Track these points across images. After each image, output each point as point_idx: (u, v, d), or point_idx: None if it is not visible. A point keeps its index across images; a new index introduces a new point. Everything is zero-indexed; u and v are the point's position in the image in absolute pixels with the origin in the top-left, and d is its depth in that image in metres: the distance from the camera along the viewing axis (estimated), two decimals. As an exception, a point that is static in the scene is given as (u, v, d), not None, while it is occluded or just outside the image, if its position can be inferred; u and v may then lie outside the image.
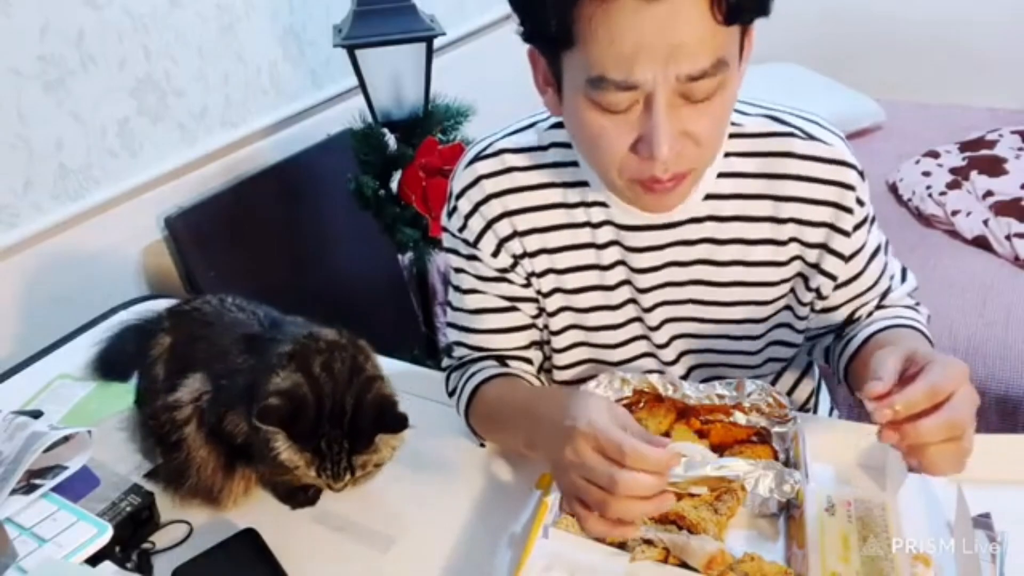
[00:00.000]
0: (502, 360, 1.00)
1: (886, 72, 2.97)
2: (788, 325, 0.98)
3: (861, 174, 0.89)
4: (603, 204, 0.91)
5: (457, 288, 1.00)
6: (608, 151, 0.77)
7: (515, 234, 0.94)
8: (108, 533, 0.84)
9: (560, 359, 1.02)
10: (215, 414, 0.89)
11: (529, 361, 1.02)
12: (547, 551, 0.77)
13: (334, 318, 0.98)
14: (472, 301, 0.99)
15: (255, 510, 0.93)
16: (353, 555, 0.87)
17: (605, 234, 0.92)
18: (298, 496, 0.93)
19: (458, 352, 1.03)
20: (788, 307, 0.96)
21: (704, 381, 0.93)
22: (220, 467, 0.91)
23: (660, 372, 0.99)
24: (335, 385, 0.86)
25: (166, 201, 1.68)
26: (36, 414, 1.01)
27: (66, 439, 0.92)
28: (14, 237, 1.44)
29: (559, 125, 0.90)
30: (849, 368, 0.94)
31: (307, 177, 1.92)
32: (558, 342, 1.00)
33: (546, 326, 1.00)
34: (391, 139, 1.77)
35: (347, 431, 0.84)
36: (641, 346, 1.00)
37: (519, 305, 0.98)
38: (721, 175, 0.89)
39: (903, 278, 1.00)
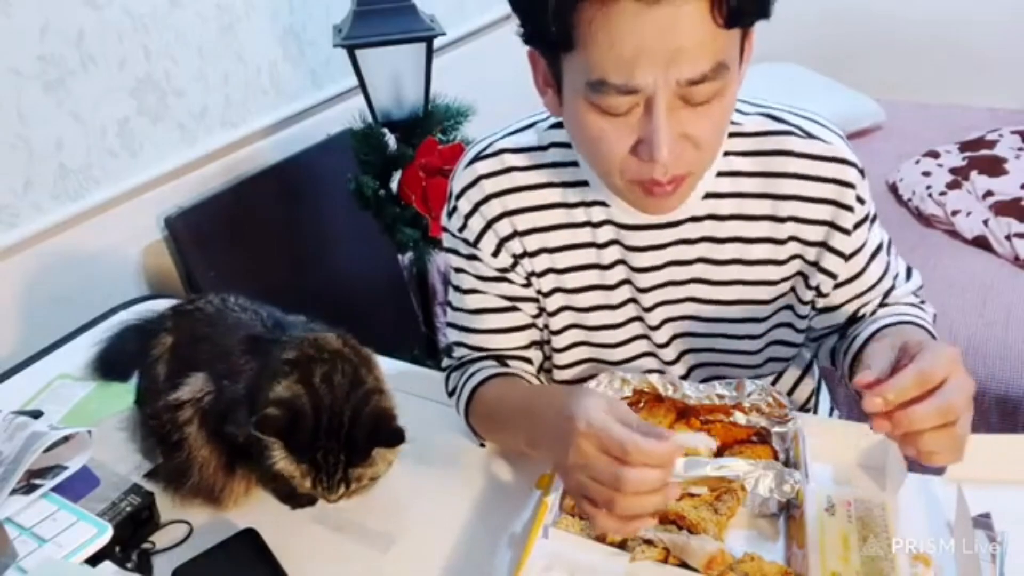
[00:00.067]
0: (502, 360, 1.00)
1: (886, 72, 2.97)
2: (789, 325, 0.98)
3: (861, 172, 0.89)
4: (603, 203, 0.91)
5: (457, 288, 1.00)
6: (608, 153, 0.77)
7: (515, 234, 0.94)
8: (108, 533, 0.84)
9: (560, 359, 1.02)
10: (217, 414, 0.89)
11: (529, 361, 1.02)
12: (547, 551, 0.77)
13: (334, 318, 0.98)
14: (472, 301, 0.99)
15: (255, 510, 0.93)
16: (353, 555, 0.87)
17: (605, 233, 0.92)
18: (298, 497, 0.93)
19: (458, 352, 1.03)
20: (789, 306, 0.96)
21: (704, 381, 0.93)
22: (221, 467, 0.91)
23: (660, 372, 0.99)
24: (334, 397, 0.86)
25: (166, 201, 1.68)
26: (36, 414, 1.01)
27: (66, 439, 0.92)
28: (14, 237, 1.44)
29: (559, 125, 0.90)
30: (853, 367, 0.94)
31: (307, 177, 1.92)
32: (558, 342, 1.00)
33: (546, 326, 1.00)
34: (391, 139, 1.77)
35: (344, 444, 0.84)
36: (641, 346, 1.00)
37: (519, 305, 0.98)
38: (720, 174, 0.89)
39: (907, 276, 1.00)
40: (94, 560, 0.83)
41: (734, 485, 0.82)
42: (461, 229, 0.96)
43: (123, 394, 1.02)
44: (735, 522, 0.82)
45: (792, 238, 0.91)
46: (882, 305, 0.97)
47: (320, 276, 1.93)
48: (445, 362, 1.05)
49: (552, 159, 0.92)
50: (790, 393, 1.08)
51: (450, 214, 0.97)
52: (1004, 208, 2.09)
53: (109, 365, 1.05)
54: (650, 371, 0.99)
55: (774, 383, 1.04)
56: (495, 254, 0.95)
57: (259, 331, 0.93)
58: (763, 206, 0.90)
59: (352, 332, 0.95)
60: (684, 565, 0.75)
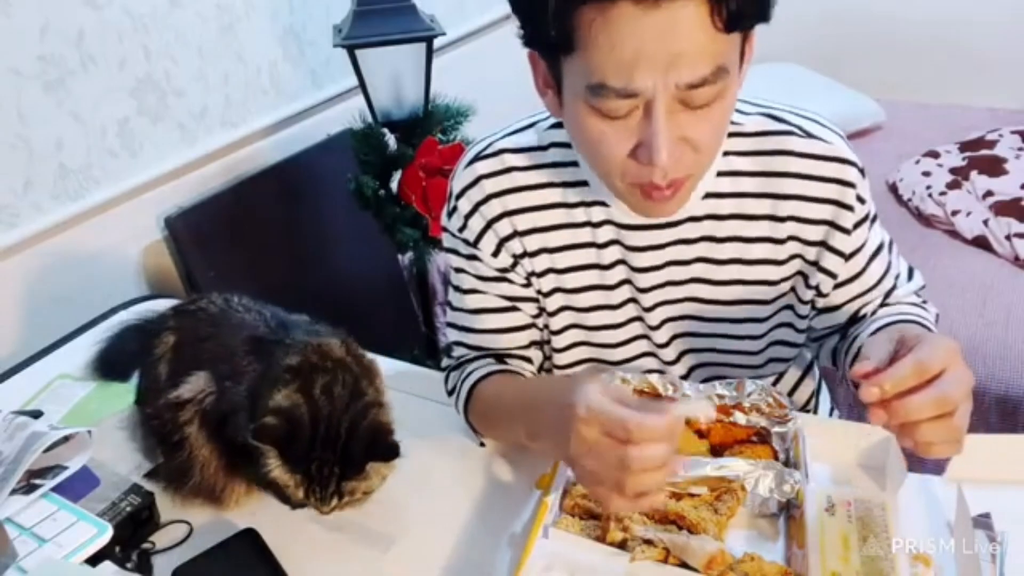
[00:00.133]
0: (501, 360, 1.00)
1: (886, 72, 2.98)
2: (789, 325, 0.98)
3: (862, 171, 0.89)
4: (603, 204, 0.91)
5: (457, 288, 1.00)
6: (608, 156, 0.77)
7: (515, 234, 0.94)
8: (108, 533, 0.84)
9: (560, 359, 1.02)
10: (218, 415, 0.89)
11: (529, 361, 1.02)
12: (547, 551, 0.77)
13: (334, 318, 0.98)
14: (472, 301, 0.99)
15: (255, 510, 0.93)
16: (353, 555, 0.87)
17: (605, 233, 0.92)
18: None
19: (457, 352, 1.03)
20: (789, 306, 0.96)
21: (704, 381, 0.93)
22: (222, 467, 0.91)
23: (660, 372, 0.99)
24: (333, 409, 0.86)
25: (166, 201, 1.68)
26: (36, 414, 1.01)
27: (66, 439, 0.92)
28: (14, 237, 1.44)
29: (559, 125, 0.90)
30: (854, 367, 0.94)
31: (307, 177, 1.92)
32: (558, 342, 1.00)
33: (546, 326, 1.00)
34: (391, 139, 1.77)
35: (339, 456, 0.85)
36: (641, 345, 1.00)
37: (519, 305, 0.98)
38: (720, 174, 0.89)
39: (909, 277, 1.00)
40: (94, 560, 0.83)
41: (734, 485, 0.82)
42: (461, 229, 0.96)
43: (123, 394, 1.02)
44: (735, 522, 0.82)
45: (792, 238, 0.91)
46: (883, 305, 0.97)
47: (320, 276, 1.93)
48: (445, 362, 1.05)
49: (552, 159, 0.92)
50: (791, 394, 1.08)
51: (450, 214, 0.97)
52: (1004, 208, 2.09)
53: (109, 365, 1.05)
54: (650, 371, 0.99)
55: (775, 384, 1.04)
56: (495, 254, 0.95)
57: (262, 332, 0.93)
58: (763, 206, 0.90)
59: (352, 332, 0.95)
60: (684, 565, 0.75)
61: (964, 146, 2.44)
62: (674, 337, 0.98)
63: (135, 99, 1.60)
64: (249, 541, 0.87)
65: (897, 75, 2.99)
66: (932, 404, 0.67)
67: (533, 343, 1.01)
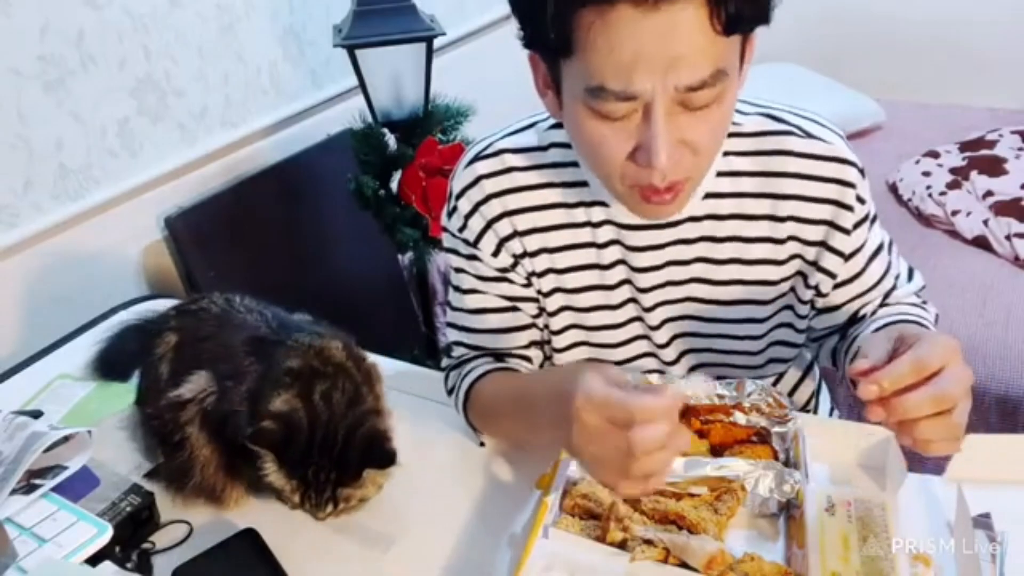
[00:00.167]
0: (501, 359, 1.00)
1: (886, 72, 2.98)
2: (789, 325, 0.98)
3: (861, 171, 0.89)
4: (603, 204, 0.91)
5: (457, 288, 1.00)
6: (608, 158, 0.77)
7: (515, 234, 0.94)
8: (108, 533, 0.84)
9: (560, 359, 1.02)
10: (219, 415, 0.89)
11: (529, 360, 1.02)
12: (547, 551, 0.77)
13: (334, 318, 0.98)
14: (472, 301, 0.99)
15: (255, 510, 0.93)
16: (353, 555, 0.87)
17: (605, 233, 0.92)
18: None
19: (457, 352, 1.03)
20: (789, 306, 0.96)
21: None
22: (222, 467, 0.91)
23: (660, 372, 0.99)
24: (331, 415, 0.86)
25: (166, 201, 1.68)
26: (36, 414, 1.01)
27: (66, 439, 0.92)
28: (14, 237, 1.44)
29: (559, 125, 0.90)
30: None
31: (307, 177, 1.92)
32: (558, 342, 1.00)
33: (546, 326, 1.00)
34: (391, 139, 1.77)
35: (336, 463, 0.85)
36: (642, 346, 1.00)
37: (519, 305, 0.98)
38: (720, 174, 0.89)
39: (909, 277, 1.00)
40: (94, 560, 0.83)
41: (734, 485, 0.82)
42: (461, 229, 0.96)
43: (123, 394, 1.02)
44: (735, 522, 0.82)
45: (791, 238, 0.91)
46: (883, 305, 0.97)
47: (320, 276, 1.93)
48: (444, 362, 1.05)
49: (552, 159, 0.92)
50: (791, 394, 1.08)
51: (450, 214, 0.97)
52: (1004, 208, 2.09)
53: (109, 365, 1.05)
54: (650, 371, 0.99)
55: (775, 384, 1.04)
56: (495, 254, 0.95)
57: (264, 332, 0.93)
58: (763, 206, 0.90)
59: (352, 332, 0.95)
60: (684, 565, 0.75)
61: (964, 146, 2.44)
62: (674, 337, 0.98)
63: (135, 99, 1.60)
64: (249, 541, 0.87)
65: (897, 75, 2.99)
66: (931, 401, 0.67)
67: (533, 343, 1.01)
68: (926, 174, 2.30)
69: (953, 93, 2.87)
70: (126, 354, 1.03)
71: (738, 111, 0.89)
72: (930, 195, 2.20)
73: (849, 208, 0.88)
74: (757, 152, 0.89)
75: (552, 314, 0.98)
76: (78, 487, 0.90)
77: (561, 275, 0.95)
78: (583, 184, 0.91)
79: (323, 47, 1.97)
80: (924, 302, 1.00)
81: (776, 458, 0.86)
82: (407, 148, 1.72)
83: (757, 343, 0.98)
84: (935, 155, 2.40)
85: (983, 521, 0.74)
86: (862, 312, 0.96)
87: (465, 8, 2.42)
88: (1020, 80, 2.84)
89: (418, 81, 1.70)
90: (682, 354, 0.99)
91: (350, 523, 0.90)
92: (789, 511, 0.83)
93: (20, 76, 1.41)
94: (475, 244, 0.95)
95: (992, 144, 2.42)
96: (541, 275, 0.96)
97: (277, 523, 0.89)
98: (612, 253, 0.93)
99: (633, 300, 0.96)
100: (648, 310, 0.96)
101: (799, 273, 0.93)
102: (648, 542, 0.76)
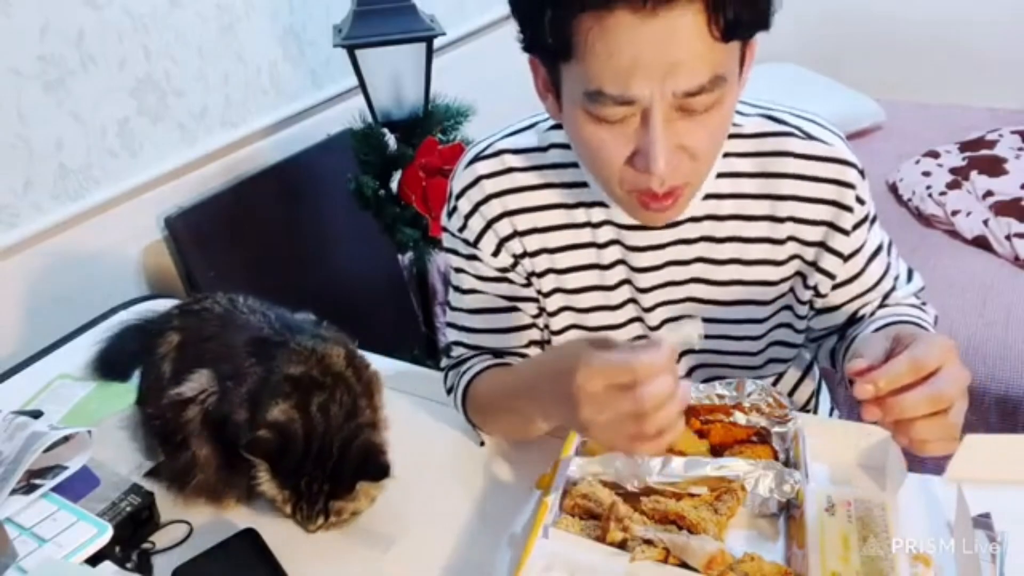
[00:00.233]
0: (500, 358, 1.00)
1: (886, 72, 2.98)
2: (788, 325, 0.98)
3: (861, 172, 0.89)
4: (603, 204, 0.91)
5: (457, 288, 1.00)
6: (607, 162, 0.77)
7: (515, 234, 0.94)
8: (108, 533, 0.84)
9: (560, 359, 1.02)
10: (219, 415, 0.89)
11: (529, 361, 1.02)
12: (547, 551, 0.77)
13: (334, 318, 0.98)
14: (472, 301, 0.99)
15: (255, 510, 0.93)
16: (353, 555, 0.87)
17: (605, 234, 0.92)
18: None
19: (456, 352, 1.03)
20: (788, 307, 0.96)
21: (704, 381, 0.93)
22: (223, 466, 0.91)
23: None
24: (327, 427, 0.86)
25: (166, 201, 1.68)
26: (36, 414, 1.01)
27: (66, 439, 0.92)
28: (14, 237, 1.44)
29: (559, 126, 0.90)
30: None
31: (307, 177, 1.92)
32: (558, 342, 1.00)
33: (546, 326, 1.00)
34: (391, 139, 1.77)
35: (329, 475, 0.85)
36: (641, 346, 0.99)
37: (519, 305, 0.98)
38: (720, 175, 0.89)
39: (909, 278, 1.00)
40: (94, 560, 0.83)
41: (734, 485, 0.82)
42: (461, 229, 0.96)
43: (123, 394, 1.02)
44: (735, 522, 0.82)
45: (791, 238, 0.91)
46: (882, 306, 0.97)
47: (320, 276, 1.93)
48: (444, 362, 1.05)
49: (552, 160, 0.92)
50: (791, 394, 1.08)
51: (450, 214, 0.97)
52: (1004, 208, 2.09)
53: (109, 365, 1.05)
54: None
55: (775, 384, 1.04)
56: (495, 254, 0.95)
57: (266, 333, 0.93)
58: (762, 206, 0.90)
59: (352, 332, 0.95)
60: (684, 565, 0.75)
61: (964, 146, 2.44)
62: (674, 337, 0.98)
63: (135, 99, 1.60)
64: (249, 541, 0.87)
65: (897, 75, 2.99)
66: (926, 401, 0.67)
67: (533, 343, 1.01)
68: (926, 174, 2.30)
69: (953, 93, 2.87)
70: (126, 354, 1.03)
71: (738, 112, 0.89)
72: (930, 195, 2.20)
73: (849, 209, 0.89)
74: (757, 153, 0.89)
75: (552, 314, 0.98)
76: (78, 487, 0.90)
77: (561, 275, 0.95)
78: (583, 185, 0.91)
79: (323, 47, 1.97)
80: (923, 303, 1.01)
81: (776, 458, 0.86)
82: (407, 148, 1.72)
83: (756, 343, 0.98)
84: (935, 155, 2.40)
85: (983, 521, 0.74)
86: (861, 313, 0.96)
87: (465, 8, 2.42)
88: (1020, 80, 2.84)
89: (418, 81, 1.70)
90: (681, 354, 0.99)
91: (350, 523, 0.90)
92: (789, 511, 0.83)
93: (20, 76, 1.41)
94: (475, 244, 0.95)
95: (992, 144, 2.42)
96: (541, 275, 0.96)
97: (277, 523, 0.89)
98: (612, 253, 0.93)
99: (633, 300, 0.96)
100: (648, 310, 0.96)
101: (798, 274, 0.93)
102: (648, 542, 0.76)
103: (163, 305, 1.04)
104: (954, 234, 2.11)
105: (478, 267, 0.97)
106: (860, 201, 0.89)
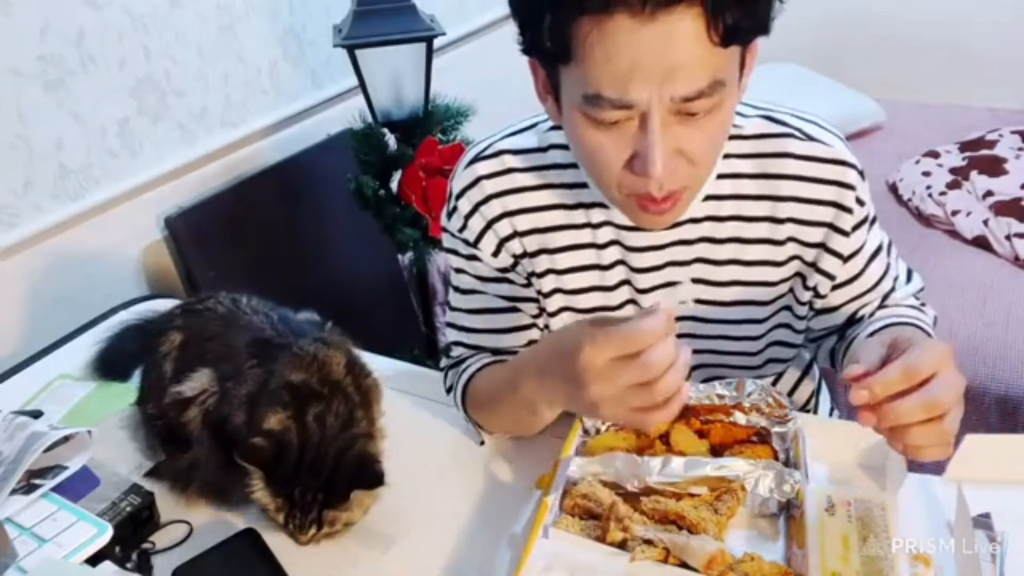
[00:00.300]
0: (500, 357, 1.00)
1: (886, 72, 2.98)
2: (788, 326, 0.98)
3: (861, 173, 0.89)
4: (602, 205, 0.91)
5: (457, 288, 1.00)
6: (605, 166, 0.77)
7: (515, 234, 0.94)
8: (108, 533, 0.84)
9: (560, 359, 1.02)
10: (219, 415, 0.89)
11: (529, 361, 1.01)
12: (547, 551, 0.77)
13: (334, 318, 0.98)
14: (472, 301, 0.99)
15: (255, 510, 0.93)
16: (353, 555, 0.87)
17: (605, 234, 0.92)
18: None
19: (456, 351, 1.03)
20: (787, 307, 0.96)
21: (704, 381, 0.93)
22: (224, 466, 0.91)
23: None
24: (323, 438, 0.86)
25: (166, 201, 1.68)
26: (36, 414, 1.01)
27: (66, 439, 0.92)
28: (14, 237, 1.44)
29: (559, 127, 0.90)
30: None
31: (307, 177, 1.92)
32: (557, 339, 1.00)
33: (546, 326, 1.00)
34: (391, 139, 1.77)
35: (323, 484, 0.85)
36: (641, 346, 0.99)
37: (519, 305, 0.98)
38: (720, 176, 0.89)
39: (908, 279, 1.00)
40: (94, 560, 0.83)
41: (734, 485, 0.82)
42: (461, 229, 0.96)
43: (123, 394, 1.02)
44: (735, 522, 0.82)
45: (791, 239, 0.91)
46: (881, 307, 0.97)
47: (320, 276, 1.93)
48: (443, 362, 1.05)
49: (552, 161, 0.92)
50: (790, 394, 1.08)
51: (450, 214, 0.97)
52: (1004, 208, 2.09)
53: (109, 365, 1.05)
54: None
55: (774, 384, 1.04)
56: (495, 254, 0.95)
57: (268, 335, 0.93)
58: (762, 207, 0.90)
59: (352, 332, 0.95)
60: (684, 565, 0.75)
61: (964, 146, 2.44)
62: (673, 337, 0.98)
63: (135, 99, 1.60)
64: (249, 541, 0.87)
65: (897, 75, 2.99)
66: (921, 408, 0.67)
67: (532, 343, 1.01)
68: (926, 174, 2.30)
69: (953, 93, 2.87)
70: (126, 354, 1.03)
71: (738, 113, 0.89)
72: (930, 195, 2.20)
73: (848, 210, 0.89)
74: (757, 154, 0.89)
75: (552, 314, 0.98)
76: (78, 487, 0.90)
77: (561, 276, 0.95)
78: (583, 185, 0.91)
79: (323, 47, 1.97)
80: (923, 304, 1.01)
81: (776, 458, 0.86)
82: (407, 148, 1.72)
83: (756, 344, 0.98)
84: (935, 155, 2.40)
85: (983, 521, 0.74)
86: (860, 313, 0.96)
87: (465, 8, 2.42)
88: (1020, 80, 2.85)
89: (418, 81, 1.70)
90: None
91: (342, 534, 0.90)
92: (789, 511, 0.83)
93: (20, 76, 1.41)
94: (475, 244, 0.95)
95: (992, 144, 2.42)
96: (541, 276, 0.96)
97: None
98: (612, 254, 0.93)
99: (632, 301, 0.96)
100: (648, 310, 0.95)
101: (798, 274, 0.93)
102: (648, 542, 0.76)
103: (163, 305, 1.04)
104: (954, 234, 2.11)
105: (478, 267, 0.97)
106: (860, 202, 0.89)
